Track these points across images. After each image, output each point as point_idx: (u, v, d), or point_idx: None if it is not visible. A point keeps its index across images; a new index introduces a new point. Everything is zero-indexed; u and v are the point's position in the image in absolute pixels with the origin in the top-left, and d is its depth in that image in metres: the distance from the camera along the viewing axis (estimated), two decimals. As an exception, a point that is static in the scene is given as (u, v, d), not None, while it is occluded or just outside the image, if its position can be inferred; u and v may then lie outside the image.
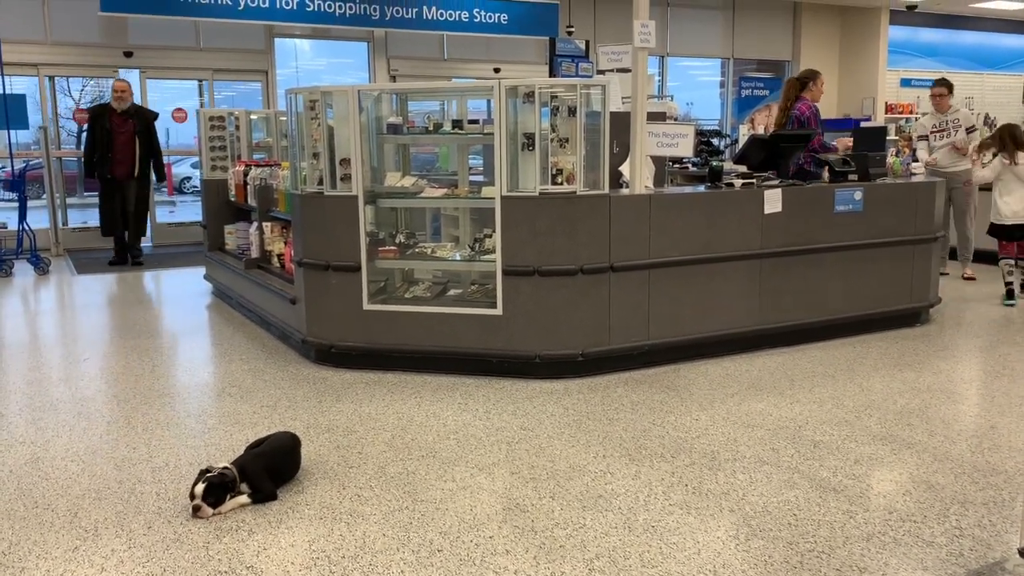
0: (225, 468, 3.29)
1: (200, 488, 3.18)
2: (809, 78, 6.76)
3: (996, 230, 7.23)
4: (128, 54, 11.09)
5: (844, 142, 7.63)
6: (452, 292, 5.40)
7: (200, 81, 11.68)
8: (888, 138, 9.29)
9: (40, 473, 3.64)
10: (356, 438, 4.02)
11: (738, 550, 2.89)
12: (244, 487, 3.29)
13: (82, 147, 10.35)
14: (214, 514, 3.18)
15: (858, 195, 5.73)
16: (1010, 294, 7.02)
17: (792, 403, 4.48)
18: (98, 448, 3.93)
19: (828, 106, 15.74)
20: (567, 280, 4.83)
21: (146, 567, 2.82)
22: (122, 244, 9.67)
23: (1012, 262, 7.13)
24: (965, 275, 8.10)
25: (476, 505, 3.27)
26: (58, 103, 11.19)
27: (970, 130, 8.09)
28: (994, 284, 7.72)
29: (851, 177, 5.94)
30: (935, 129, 8.16)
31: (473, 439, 3.98)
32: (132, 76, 11.02)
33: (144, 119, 9.55)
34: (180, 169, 15.79)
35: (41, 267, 9.02)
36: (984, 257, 8.42)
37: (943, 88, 8.16)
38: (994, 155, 7.42)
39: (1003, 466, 3.61)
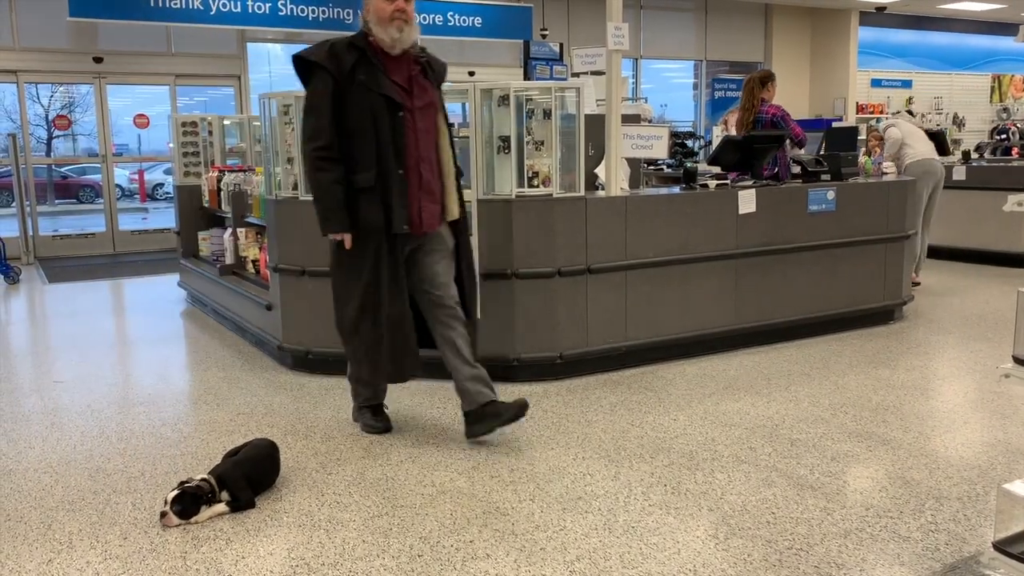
0: (203, 479, 3.25)
1: (171, 495, 3.15)
2: (768, 78, 6.77)
3: None
4: (98, 59, 10.98)
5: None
6: (429, 296, 5.37)
7: (173, 86, 11.58)
8: (859, 138, 9.37)
9: (12, 485, 3.58)
10: (334, 444, 4.00)
11: (718, 549, 2.91)
12: (224, 495, 3.26)
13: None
14: (181, 523, 3.14)
15: (831, 195, 5.79)
16: None
17: (769, 402, 4.52)
18: (72, 459, 3.88)
19: (800, 107, 15.90)
20: (545, 282, 4.83)
21: (122, 579, 2.79)
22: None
23: None
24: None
25: (456, 509, 3.26)
26: (27, 110, 11.04)
27: None
28: (966, 280, 7.83)
29: (824, 177, 5.99)
30: None
31: (452, 443, 3.97)
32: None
33: (439, 78, 3.97)
34: (152, 176, 15.64)
35: (11, 276, 8.90)
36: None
37: None
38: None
39: (976, 461, 3.66)
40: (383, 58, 3.69)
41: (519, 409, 3.90)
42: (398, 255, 3.75)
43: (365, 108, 3.63)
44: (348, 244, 3.72)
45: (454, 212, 3.92)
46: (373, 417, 4.16)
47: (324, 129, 3.63)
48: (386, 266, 3.73)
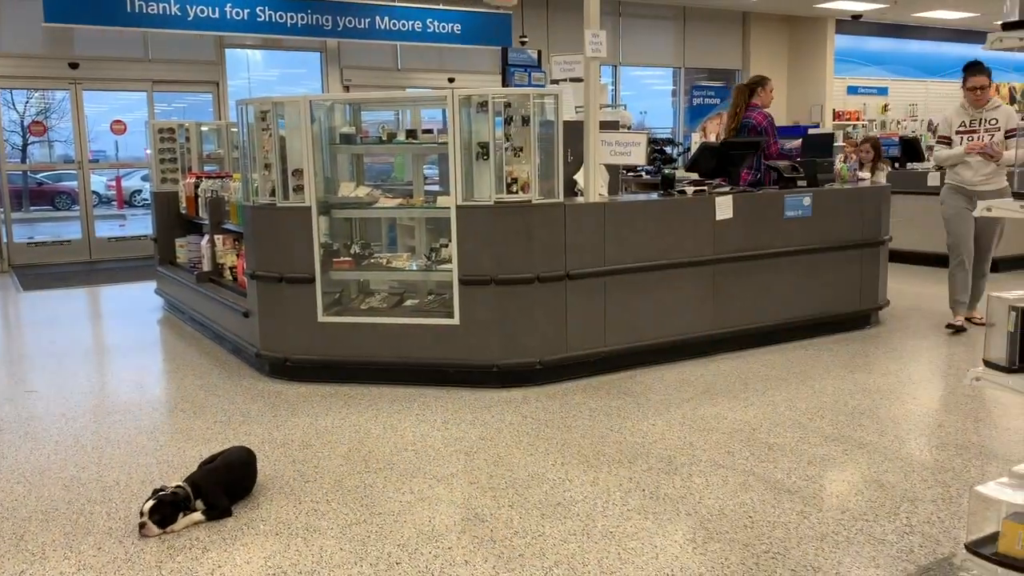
0: (178, 487, 3.22)
1: (148, 505, 3.12)
2: (757, 84, 6.74)
3: None
4: (74, 65, 10.88)
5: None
6: (409, 302, 5.37)
7: (150, 92, 11.49)
8: (836, 144, 9.45)
9: (-16, 496, 3.54)
10: (312, 452, 3.98)
11: (695, 553, 2.92)
12: (199, 504, 3.23)
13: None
14: (161, 533, 3.11)
15: (807, 201, 5.84)
16: None
17: (746, 406, 4.54)
18: (46, 468, 3.83)
19: (777, 113, 16.00)
20: (524, 289, 4.83)
21: (96, 589, 2.76)
22: None
23: None
24: (975, 319, 6.27)
25: (434, 516, 3.26)
26: (1, 115, 10.91)
27: (1010, 134, 5.88)
28: (941, 284, 7.91)
29: (800, 183, 6.04)
30: (963, 129, 6.08)
31: (431, 450, 3.96)
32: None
33: None
34: (130, 182, 15.52)
35: (-15, 284, 8.79)
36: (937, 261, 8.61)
37: (983, 77, 6.01)
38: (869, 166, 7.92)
39: (951, 463, 3.70)
40: None
41: None
42: None
43: None
44: None
45: None
46: None
47: None
48: None
